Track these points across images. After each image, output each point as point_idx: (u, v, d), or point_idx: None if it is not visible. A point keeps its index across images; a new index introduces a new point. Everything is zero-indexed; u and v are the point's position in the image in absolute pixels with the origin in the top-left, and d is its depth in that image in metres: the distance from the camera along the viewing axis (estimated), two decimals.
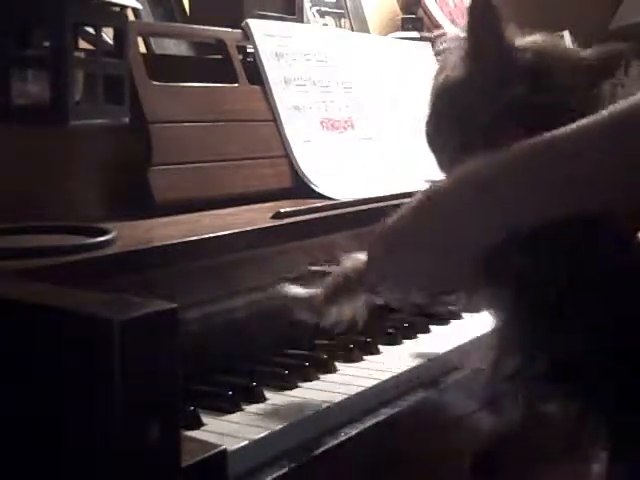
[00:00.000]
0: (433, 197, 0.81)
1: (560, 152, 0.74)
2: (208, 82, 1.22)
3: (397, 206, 0.85)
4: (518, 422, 0.82)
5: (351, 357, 1.01)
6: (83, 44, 0.98)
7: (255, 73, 1.30)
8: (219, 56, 1.29)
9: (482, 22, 0.81)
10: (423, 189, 0.82)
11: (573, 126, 0.74)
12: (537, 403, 0.80)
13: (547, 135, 0.74)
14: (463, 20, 2.08)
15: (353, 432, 0.87)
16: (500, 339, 0.82)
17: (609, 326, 0.75)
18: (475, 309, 0.94)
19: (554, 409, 0.80)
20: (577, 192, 0.74)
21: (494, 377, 0.81)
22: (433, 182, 0.83)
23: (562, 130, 0.74)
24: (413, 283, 0.85)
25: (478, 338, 1.06)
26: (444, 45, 0.87)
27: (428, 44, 1.71)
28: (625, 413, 0.77)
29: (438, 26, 2.02)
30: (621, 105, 0.73)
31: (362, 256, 0.89)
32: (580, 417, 0.79)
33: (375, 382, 0.94)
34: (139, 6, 1.12)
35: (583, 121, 0.73)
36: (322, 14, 1.78)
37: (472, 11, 0.81)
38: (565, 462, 0.84)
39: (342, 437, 0.85)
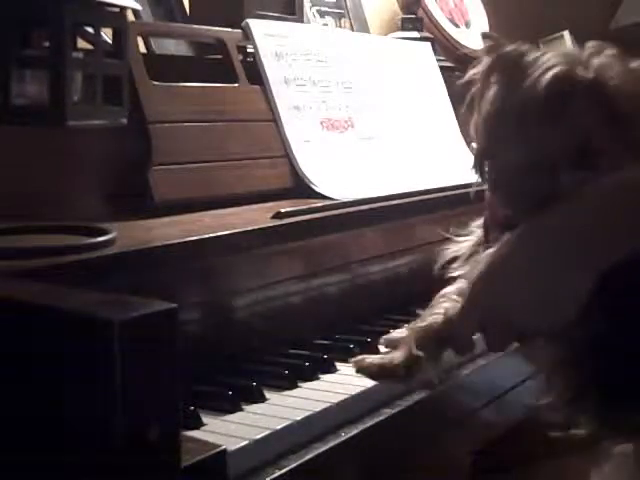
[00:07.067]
0: (533, 236, 0.81)
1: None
2: (208, 82, 1.22)
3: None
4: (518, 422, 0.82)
5: (351, 357, 1.01)
6: (83, 44, 0.98)
7: (255, 73, 1.30)
8: (219, 56, 1.29)
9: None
10: (523, 227, 0.81)
11: None
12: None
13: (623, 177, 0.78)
14: (463, 20, 2.08)
15: (353, 432, 0.87)
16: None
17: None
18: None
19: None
20: None
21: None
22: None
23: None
24: (514, 318, 0.81)
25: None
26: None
27: (428, 44, 1.71)
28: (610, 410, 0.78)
29: (438, 26, 2.02)
30: None
31: (442, 309, 0.88)
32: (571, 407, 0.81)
33: (375, 382, 0.94)
34: (138, 7, 1.12)
35: None
36: (322, 14, 1.78)
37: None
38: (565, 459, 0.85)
39: (342, 437, 0.85)
